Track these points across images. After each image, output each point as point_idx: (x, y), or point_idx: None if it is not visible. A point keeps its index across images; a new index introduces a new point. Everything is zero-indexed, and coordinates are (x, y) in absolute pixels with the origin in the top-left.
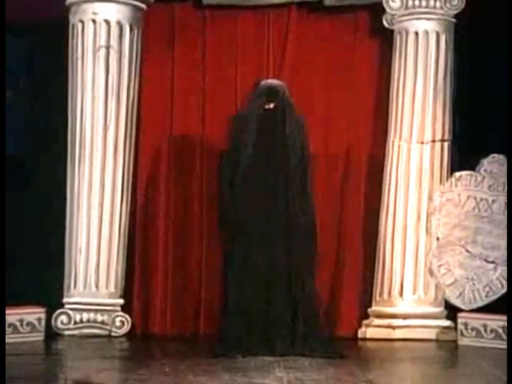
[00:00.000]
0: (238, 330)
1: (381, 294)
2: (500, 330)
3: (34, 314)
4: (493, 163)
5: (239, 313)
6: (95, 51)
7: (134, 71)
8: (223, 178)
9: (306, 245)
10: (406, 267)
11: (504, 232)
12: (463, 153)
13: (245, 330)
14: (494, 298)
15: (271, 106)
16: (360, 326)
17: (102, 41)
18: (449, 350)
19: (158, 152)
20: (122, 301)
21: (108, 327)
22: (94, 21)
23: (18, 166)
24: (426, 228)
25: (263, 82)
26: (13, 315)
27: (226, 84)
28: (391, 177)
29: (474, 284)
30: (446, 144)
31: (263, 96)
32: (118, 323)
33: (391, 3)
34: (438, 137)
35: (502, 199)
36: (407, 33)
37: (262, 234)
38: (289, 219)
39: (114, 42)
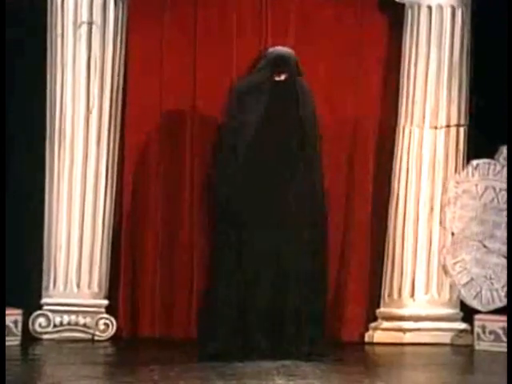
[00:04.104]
0: (228, 333)
1: (390, 294)
2: None
3: (9, 316)
4: None
5: (229, 314)
6: (76, 28)
7: (119, 49)
8: (222, 159)
9: (316, 236)
10: (417, 265)
11: None
12: (481, 139)
13: (235, 333)
14: None
15: (282, 77)
16: (367, 329)
17: (84, 16)
18: (465, 355)
19: (146, 138)
20: (106, 302)
21: (91, 330)
22: None
23: None
24: (439, 221)
25: (271, 50)
26: None
27: (220, 60)
28: (402, 165)
29: (492, 283)
30: (461, 129)
31: (271, 66)
32: (101, 326)
33: None
34: (454, 121)
35: None
36: (419, 7)
37: (264, 225)
38: (297, 205)
39: (96, 18)
